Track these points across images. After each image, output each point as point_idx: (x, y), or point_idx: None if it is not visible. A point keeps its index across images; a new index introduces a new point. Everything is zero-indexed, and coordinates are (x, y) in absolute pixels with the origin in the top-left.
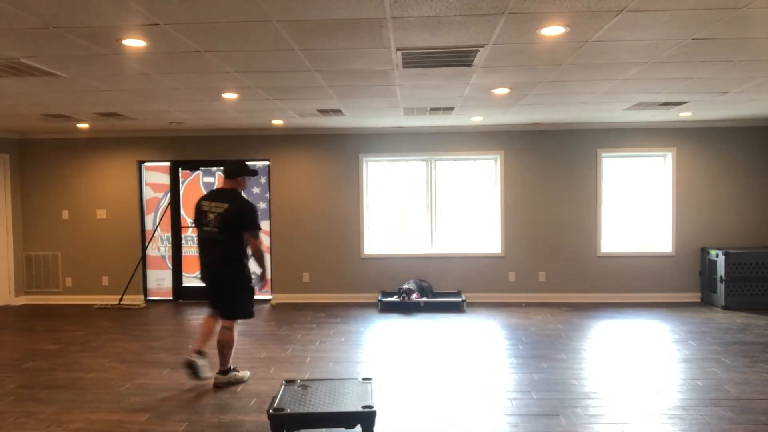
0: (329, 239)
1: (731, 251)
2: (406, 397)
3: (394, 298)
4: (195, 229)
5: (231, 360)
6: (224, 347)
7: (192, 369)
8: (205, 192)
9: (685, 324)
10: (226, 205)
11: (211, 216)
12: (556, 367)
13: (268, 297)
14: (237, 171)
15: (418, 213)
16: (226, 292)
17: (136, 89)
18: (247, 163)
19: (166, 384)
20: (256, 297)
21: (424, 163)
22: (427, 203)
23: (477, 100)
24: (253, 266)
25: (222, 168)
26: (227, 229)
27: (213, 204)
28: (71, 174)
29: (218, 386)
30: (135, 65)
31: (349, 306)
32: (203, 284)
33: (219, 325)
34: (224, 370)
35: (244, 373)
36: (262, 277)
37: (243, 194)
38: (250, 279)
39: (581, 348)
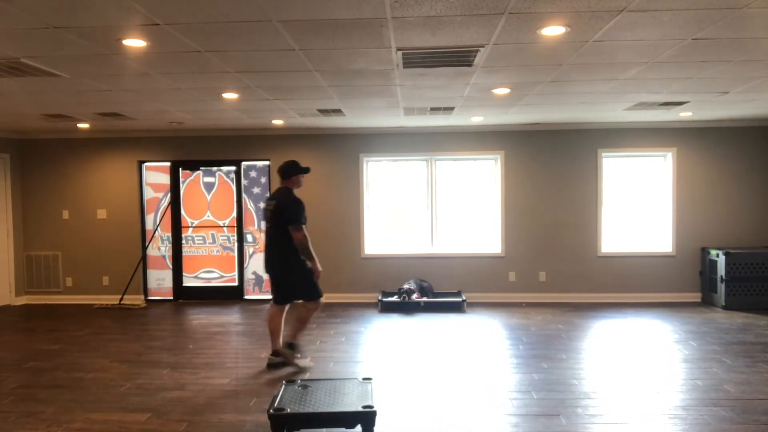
0: (329, 239)
1: (732, 251)
2: (407, 397)
3: (395, 298)
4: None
5: (299, 337)
6: (296, 321)
7: (283, 365)
8: (206, 192)
9: (685, 324)
10: (274, 202)
11: (268, 213)
12: (557, 367)
13: (269, 297)
14: (290, 171)
15: (419, 213)
16: (289, 280)
17: (136, 89)
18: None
19: (166, 384)
20: (259, 297)
21: (425, 163)
22: (428, 203)
23: (477, 100)
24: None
25: (279, 169)
26: (277, 223)
27: (269, 203)
28: (72, 174)
29: (271, 359)
30: (135, 65)
31: (349, 306)
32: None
33: (282, 316)
34: (288, 343)
35: (304, 361)
36: (312, 265)
37: (293, 192)
38: (305, 264)
39: (581, 348)
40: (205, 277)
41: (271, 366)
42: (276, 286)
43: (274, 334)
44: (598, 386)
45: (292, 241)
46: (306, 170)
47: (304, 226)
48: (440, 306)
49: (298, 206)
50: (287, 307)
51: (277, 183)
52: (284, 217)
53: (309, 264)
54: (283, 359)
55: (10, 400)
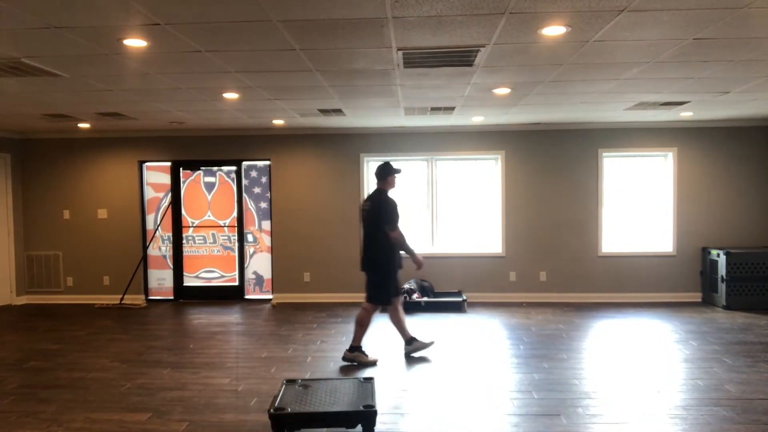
0: (330, 239)
1: (732, 251)
2: (407, 397)
3: None
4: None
5: (361, 341)
6: (356, 324)
7: (412, 348)
8: (206, 192)
9: (686, 324)
10: (369, 203)
11: (364, 214)
12: (557, 366)
13: (269, 297)
14: (383, 172)
15: (419, 213)
16: (368, 278)
17: (137, 89)
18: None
19: (167, 384)
20: (260, 297)
21: (425, 162)
22: (428, 203)
23: (478, 99)
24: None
25: (376, 171)
26: (370, 224)
27: (365, 204)
28: (72, 174)
29: (344, 359)
30: (136, 65)
31: (350, 306)
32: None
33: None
34: (352, 347)
35: (373, 358)
36: (414, 259)
37: (387, 193)
38: (388, 270)
39: (582, 348)
40: (206, 277)
41: (408, 356)
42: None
43: (397, 328)
44: (599, 386)
45: (384, 241)
46: (398, 171)
47: (396, 225)
48: (441, 306)
49: (390, 206)
50: (401, 300)
51: (278, 184)
52: (378, 218)
53: (411, 258)
54: (411, 349)
55: (10, 399)
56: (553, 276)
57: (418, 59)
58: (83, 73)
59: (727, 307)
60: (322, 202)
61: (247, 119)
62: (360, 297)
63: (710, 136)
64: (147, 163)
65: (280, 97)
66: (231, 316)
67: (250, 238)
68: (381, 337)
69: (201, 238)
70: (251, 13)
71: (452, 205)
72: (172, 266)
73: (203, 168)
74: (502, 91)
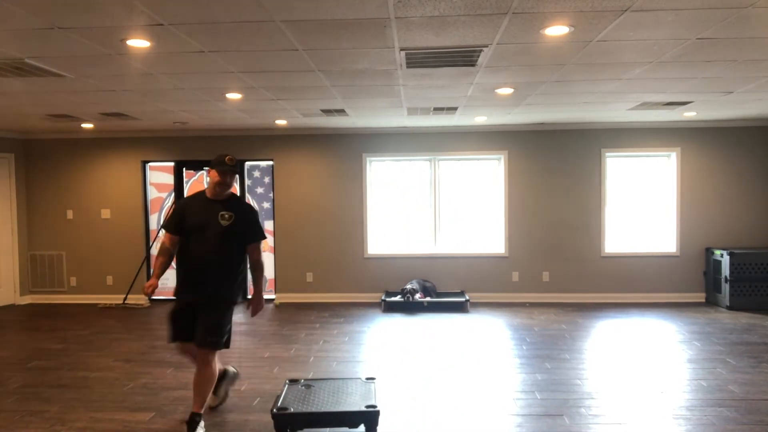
0: (333, 239)
1: (736, 251)
2: (410, 397)
3: (398, 298)
4: None
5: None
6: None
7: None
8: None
9: (689, 324)
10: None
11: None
12: (560, 367)
13: (272, 297)
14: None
15: (422, 213)
16: None
17: (140, 89)
18: None
19: (170, 383)
20: None
21: (428, 162)
22: (431, 203)
23: (481, 100)
24: None
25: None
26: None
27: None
28: (76, 174)
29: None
30: (139, 65)
31: (352, 306)
32: None
33: None
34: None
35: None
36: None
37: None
38: None
39: (585, 348)
40: None
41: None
42: None
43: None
44: (602, 386)
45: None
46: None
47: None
48: (443, 306)
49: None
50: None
51: (280, 184)
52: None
53: None
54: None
55: (14, 399)
56: (555, 276)
57: (420, 59)
58: (86, 74)
59: (731, 308)
60: (325, 203)
61: (249, 119)
62: (362, 297)
63: (714, 136)
64: (150, 163)
65: (282, 98)
66: (233, 316)
67: None
68: (382, 339)
69: None
70: (254, 13)
71: (455, 205)
72: (175, 266)
73: (206, 168)
74: (505, 91)
